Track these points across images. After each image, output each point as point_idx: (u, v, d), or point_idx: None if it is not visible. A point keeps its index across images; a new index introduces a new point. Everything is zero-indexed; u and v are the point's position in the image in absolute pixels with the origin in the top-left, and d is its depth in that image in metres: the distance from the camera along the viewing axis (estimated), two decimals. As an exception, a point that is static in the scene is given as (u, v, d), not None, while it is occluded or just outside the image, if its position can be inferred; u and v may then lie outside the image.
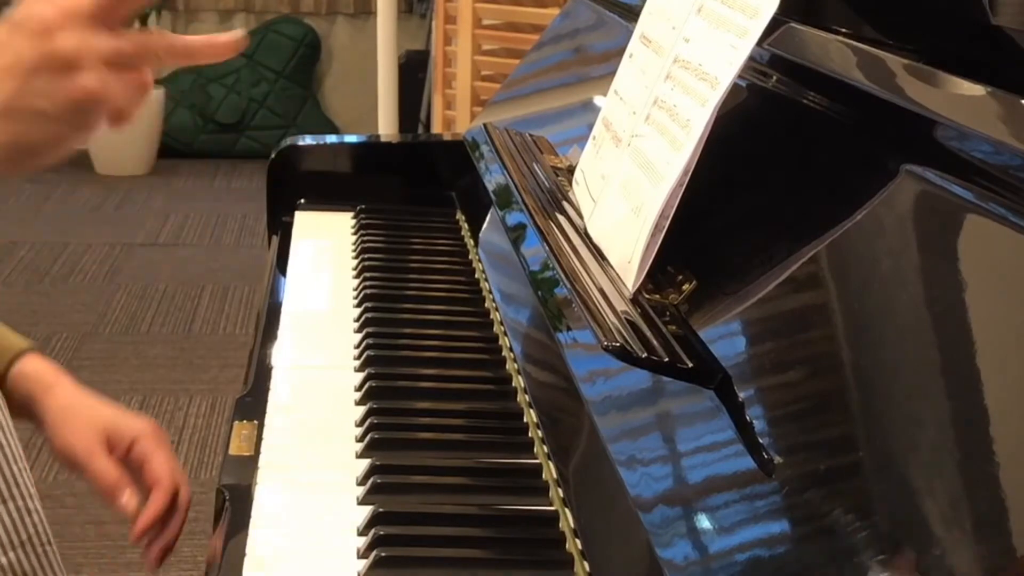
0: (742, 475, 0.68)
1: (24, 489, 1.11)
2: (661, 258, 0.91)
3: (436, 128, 3.60)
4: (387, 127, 3.40)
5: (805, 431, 0.69)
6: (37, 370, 1.17)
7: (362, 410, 1.04)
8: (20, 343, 1.18)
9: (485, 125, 1.50)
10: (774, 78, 0.99)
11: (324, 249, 1.44)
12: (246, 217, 4.66)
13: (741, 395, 0.73)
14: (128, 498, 1.12)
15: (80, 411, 1.14)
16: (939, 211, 0.71)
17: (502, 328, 1.19)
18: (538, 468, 0.95)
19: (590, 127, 1.14)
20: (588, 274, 0.97)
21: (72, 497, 2.66)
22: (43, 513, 1.18)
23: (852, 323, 0.72)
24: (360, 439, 1.00)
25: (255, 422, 1.04)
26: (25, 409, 1.17)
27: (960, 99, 0.72)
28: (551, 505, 0.91)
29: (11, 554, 1.14)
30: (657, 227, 0.91)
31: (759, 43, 0.88)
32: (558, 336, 0.95)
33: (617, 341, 0.83)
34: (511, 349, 1.12)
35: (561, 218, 1.11)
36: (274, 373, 1.15)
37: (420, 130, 4.51)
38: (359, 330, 1.22)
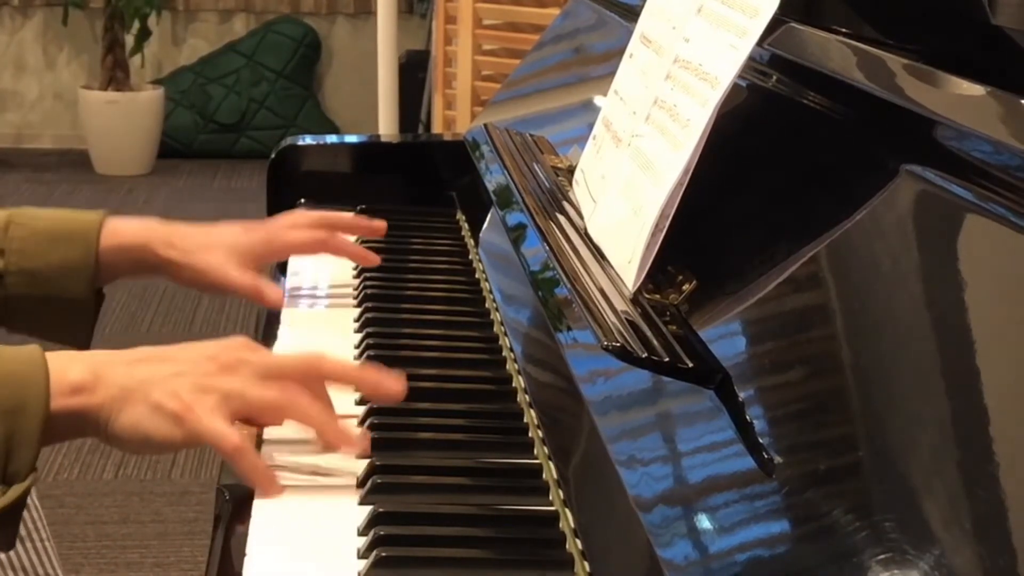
0: (742, 475, 0.68)
1: None
2: (661, 258, 0.91)
3: (436, 128, 3.60)
4: (387, 127, 3.39)
5: (805, 431, 0.69)
6: (134, 232, 1.21)
7: (362, 410, 1.04)
8: (93, 216, 1.20)
9: (485, 125, 1.50)
10: (774, 78, 0.99)
11: (324, 249, 1.44)
12: (246, 217, 4.65)
13: (741, 395, 0.73)
14: (272, 289, 1.22)
15: (206, 239, 1.23)
16: (939, 211, 0.71)
17: (502, 328, 1.19)
18: (538, 468, 0.95)
19: (590, 127, 1.15)
20: (588, 274, 0.97)
21: (72, 497, 2.67)
22: (41, 509, 1.19)
23: (852, 323, 0.72)
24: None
25: (255, 422, 1.04)
26: (142, 265, 1.22)
27: (960, 99, 0.72)
28: (551, 505, 0.91)
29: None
30: (657, 227, 0.91)
31: (759, 43, 0.88)
32: (558, 336, 0.95)
33: (617, 341, 0.83)
34: (511, 349, 1.12)
35: (561, 218, 1.11)
36: (274, 373, 1.14)
37: (420, 130, 4.51)
38: (359, 330, 1.22)
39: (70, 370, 0.91)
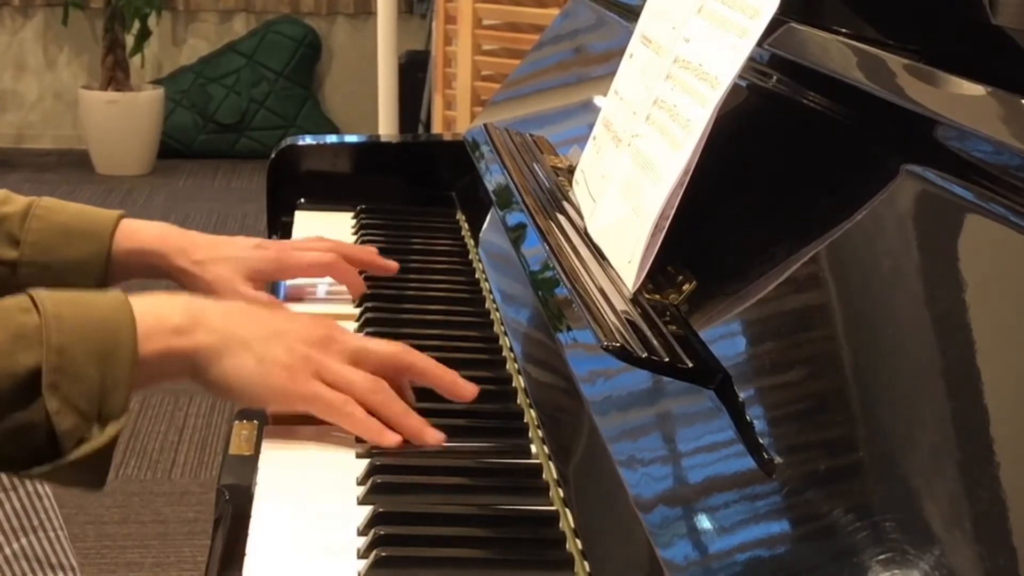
0: (742, 475, 0.68)
1: None
2: (661, 258, 0.91)
3: (436, 128, 3.60)
4: (387, 127, 3.39)
5: (805, 431, 0.69)
6: (150, 237, 1.22)
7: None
8: (110, 215, 1.21)
9: (485, 125, 1.50)
10: (774, 78, 0.99)
11: (324, 249, 1.44)
12: (246, 217, 4.66)
13: (741, 395, 0.73)
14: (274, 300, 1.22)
15: (217, 252, 1.24)
16: (939, 211, 0.71)
17: (502, 328, 1.19)
18: (538, 468, 0.95)
19: (590, 127, 1.15)
20: (588, 274, 0.97)
21: (72, 497, 2.66)
22: (53, 499, 1.19)
23: (852, 323, 0.72)
24: (360, 439, 1.00)
25: (255, 422, 1.04)
26: (153, 270, 1.23)
27: (960, 99, 0.72)
28: (551, 505, 0.91)
29: (22, 540, 1.16)
30: (657, 227, 0.91)
31: (759, 43, 0.88)
32: (558, 336, 0.95)
33: (617, 341, 0.83)
34: (511, 349, 1.12)
35: (561, 218, 1.11)
36: (274, 373, 1.14)
37: (420, 130, 4.51)
38: (359, 330, 1.22)
39: (169, 312, 0.95)
